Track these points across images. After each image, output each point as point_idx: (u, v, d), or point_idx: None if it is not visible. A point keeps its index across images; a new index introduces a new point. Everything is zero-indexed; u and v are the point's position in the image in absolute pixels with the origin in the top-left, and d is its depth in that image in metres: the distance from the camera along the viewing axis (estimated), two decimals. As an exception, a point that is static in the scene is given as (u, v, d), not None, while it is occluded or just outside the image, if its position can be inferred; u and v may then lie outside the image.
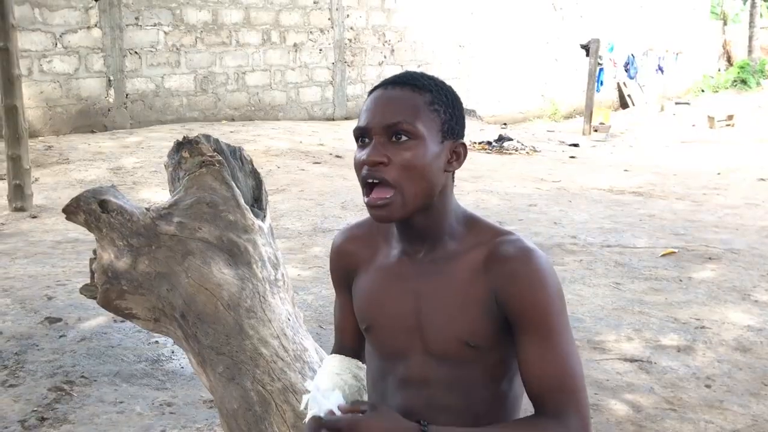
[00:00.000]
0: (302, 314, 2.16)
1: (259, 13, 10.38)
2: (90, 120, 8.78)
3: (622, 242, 5.33)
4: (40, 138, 8.09)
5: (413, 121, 1.17)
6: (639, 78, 16.92)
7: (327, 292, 3.96)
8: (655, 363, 3.27)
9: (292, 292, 2.10)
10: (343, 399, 1.34)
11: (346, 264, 1.36)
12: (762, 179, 8.46)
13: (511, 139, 10.68)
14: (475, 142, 10.50)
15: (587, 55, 12.81)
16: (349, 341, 1.43)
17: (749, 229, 5.84)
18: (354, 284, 1.35)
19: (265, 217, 2.13)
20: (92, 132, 8.70)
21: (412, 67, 12.38)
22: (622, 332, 3.62)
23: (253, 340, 1.78)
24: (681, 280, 4.45)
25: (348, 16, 11.57)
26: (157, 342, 3.29)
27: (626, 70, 16.47)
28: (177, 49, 9.52)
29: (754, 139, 12.27)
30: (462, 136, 1.25)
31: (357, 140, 1.22)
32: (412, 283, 1.25)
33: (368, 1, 11.84)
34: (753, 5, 20.43)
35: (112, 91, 8.92)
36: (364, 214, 1.32)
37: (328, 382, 1.37)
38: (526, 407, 2.49)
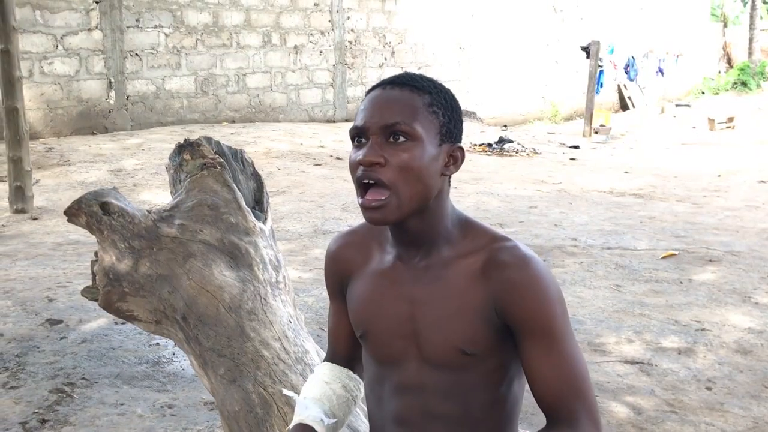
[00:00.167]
0: (303, 316, 2.16)
1: (259, 15, 10.39)
2: (91, 122, 8.78)
3: (623, 244, 5.33)
4: (40, 140, 8.10)
5: (411, 123, 1.15)
6: (639, 80, 16.93)
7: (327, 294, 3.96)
8: (656, 365, 3.27)
9: (293, 294, 2.10)
10: (330, 410, 1.33)
11: (340, 270, 1.35)
12: (762, 181, 8.46)
13: (511, 141, 10.68)
14: (475, 144, 10.50)
15: (587, 57, 12.82)
16: (343, 349, 1.42)
17: (750, 232, 5.84)
18: (348, 291, 1.34)
19: (266, 219, 2.14)
20: (93, 134, 8.71)
21: (413, 69, 12.38)
22: (623, 334, 3.62)
23: (254, 343, 1.78)
24: (681, 283, 4.45)
25: (348, 18, 11.58)
26: (158, 344, 3.29)
27: (626, 72, 16.48)
28: (177, 51, 9.53)
29: (754, 141, 12.27)
30: (460, 140, 1.23)
31: (353, 140, 1.20)
32: (407, 289, 1.24)
33: (369, 3, 11.85)
34: (753, 7, 20.44)
35: (112, 93, 8.93)
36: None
37: (317, 390, 1.36)
38: (526, 409, 2.49)
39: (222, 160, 2.09)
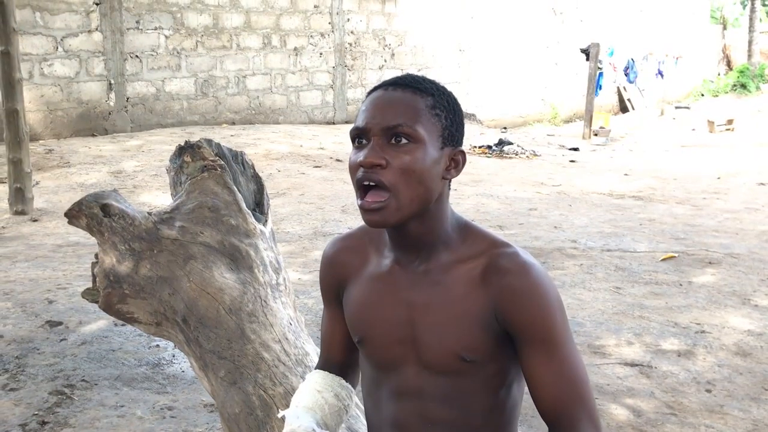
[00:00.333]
0: (303, 318, 2.17)
1: (259, 17, 10.40)
2: (91, 123, 8.79)
3: (623, 246, 5.33)
4: (40, 141, 8.11)
5: (414, 125, 1.14)
6: (639, 82, 16.94)
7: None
8: (656, 367, 3.27)
9: (293, 296, 2.10)
10: (322, 420, 1.31)
11: (336, 275, 1.33)
12: (762, 183, 8.46)
13: (511, 143, 10.69)
14: (475, 146, 10.51)
15: (587, 59, 12.83)
16: (336, 356, 1.39)
17: (749, 234, 5.84)
18: (345, 296, 1.32)
19: (266, 221, 2.14)
20: (93, 135, 8.71)
21: (413, 71, 12.40)
22: (623, 337, 3.63)
23: (254, 345, 1.78)
24: (681, 285, 4.45)
25: (348, 20, 11.60)
26: (157, 346, 3.29)
27: (626, 75, 16.49)
28: (178, 52, 9.54)
29: (753, 144, 12.28)
30: (461, 143, 1.22)
31: (353, 141, 1.18)
32: (406, 294, 1.22)
33: (369, 5, 11.86)
34: (753, 10, 20.47)
35: (112, 95, 8.93)
36: (365, 218, 1.31)
37: (309, 399, 1.33)
38: (525, 411, 2.49)
39: (222, 162, 2.10)
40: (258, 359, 1.75)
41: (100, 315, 3.49)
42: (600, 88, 13.64)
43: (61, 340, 3.30)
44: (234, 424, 1.68)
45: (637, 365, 3.29)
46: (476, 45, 13.73)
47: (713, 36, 21.16)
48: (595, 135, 12.70)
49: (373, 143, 1.14)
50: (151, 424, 2.62)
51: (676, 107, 17.11)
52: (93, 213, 1.93)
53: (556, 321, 1.16)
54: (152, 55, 9.28)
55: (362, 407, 1.66)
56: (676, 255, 5.05)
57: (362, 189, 1.15)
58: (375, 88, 1.21)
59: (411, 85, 1.18)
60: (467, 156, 1.27)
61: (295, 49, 10.90)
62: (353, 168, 1.16)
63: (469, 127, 10.58)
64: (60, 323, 3.49)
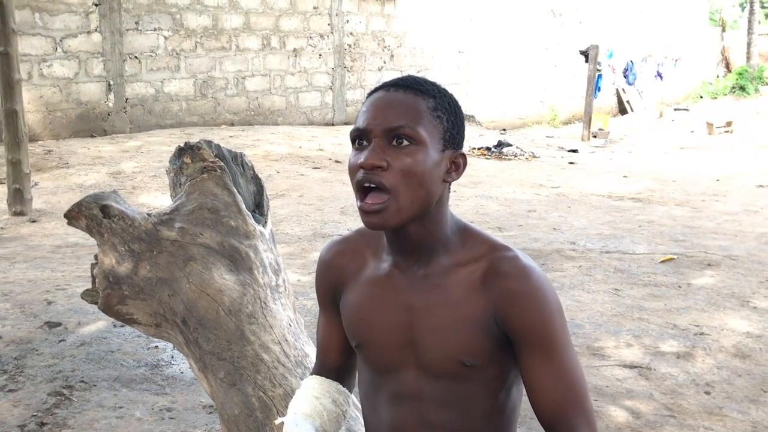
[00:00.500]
0: (303, 320, 2.16)
1: (259, 19, 10.40)
2: (90, 124, 8.78)
3: (622, 248, 5.34)
4: (39, 142, 8.10)
5: (415, 126, 1.12)
6: (638, 84, 16.96)
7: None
8: (655, 369, 3.27)
9: (293, 297, 2.10)
10: (321, 427, 1.30)
11: (333, 279, 1.31)
12: (761, 186, 8.47)
13: (510, 145, 10.70)
14: (474, 148, 10.52)
15: (586, 61, 12.84)
16: (333, 361, 1.37)
17: (748, 236, 5.84)
18: (342, 300, 1.30)
19: (266, 222, 2.14)
20: (92, 136, 8.71)
21: (412, 73, 12.38)
22: (622, 338, 3.63)
23: (254, 346, 1.78)
24: (680, 287, 4.45)
25: (348, 21, 11.60)
26: (156, 347, 3.29)
27: (625, 76, 16.51)
28: (177, 53, 9.54)
29: (752, 146, 12.30)
30: (462, 146, 1.20)
31: (354, 142, 1.16)
32: (405, 297, 1.20)
33: (368, 7, 11.87)
34: (751, 12, 20.51)
35: (111, 96, 8.93)
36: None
37: (307, 406, 1.32)
38: (524, 413, 2.49)
39: (222, 164, 2.10)
40: (257, 361, 1.75)
41: (99, 316, 3.49)
42: (599, 90, 13.66)
43: (60, 341, 3.30)
44: (233, 426, 1.67)
45: (636, 367, 3.29)
46: (475, 46, 13.74)
47: (712, 38, 21.19)
48: (594, 137, 12.71)
49: (374, 145, 1.13)
50: (150, 426, 2.62)
51: (675, 109, 17.13)
52: (93, 214, 1.93)
53: (556, 326, 1.15)
54: (151, 56, 9.28)
55: (360, 407, 1.66)
56: (675, 257, 5.06)
57: (362, 191, 1.14)
58: (376, 89, 1.19)
59: (412, 86, 1.16)
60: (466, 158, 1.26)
61: (295, 50, 10.90)
62: (353, 169, 1.15)
63: (468, 129, 10.58)
64: (59, 324, 3.48)
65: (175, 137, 8.67)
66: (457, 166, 1.19)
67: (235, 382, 1.72)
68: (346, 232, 1.35)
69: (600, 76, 13.58)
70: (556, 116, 15.58)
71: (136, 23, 9.09)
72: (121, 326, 3.42)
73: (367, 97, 1.19)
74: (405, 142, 1.12)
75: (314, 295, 4.05)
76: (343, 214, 6.25)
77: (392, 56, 12.37)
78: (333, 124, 11.49)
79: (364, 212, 1.14)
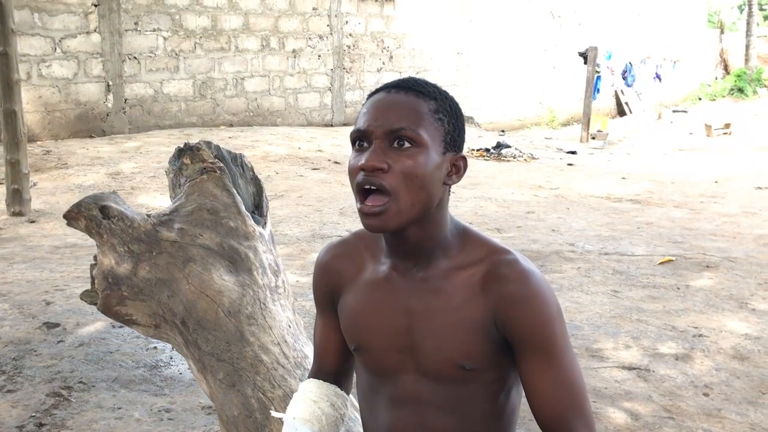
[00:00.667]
0: (302, 321, 2.16)
1: (258, 19, 10.41)
2: (88, 125, 8.78)
3: (620, 250, 5.34)
4: (38, 142, 8.10)
5: (417, 128, 1.12)
6: (636, 86, 16.98)
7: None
8: (653, 371, 3.27)
9: (292, 298, 2.10)
10: (319, 431, 1.29)
11: (331, 282, 1.30)
12: (759, 187, 8.48)
13: (509, 146, 10.70)
14: (473, 149, 10.52)
15: (585, 62, 12.86)
16: (331, 364, 1.36)
17: (746, 238, 5.85)
18: (340, 303, 1.29)
19: (265, 224, 2.14)
20: (91, 137, 8.70)
21: (411, 74, 12.39)
22: (620, 340, 3.63)
23: (253, 347, 1.78)
24: (679, 288, 4.45)
25: (347, 22, 11.61)
26: (155, 348, 3.28)
27: (624, 78, 16.53)
28: (176, 54, 9.54)
29: (751, 148, 12.31)
30: (462, 149, 1.20)
31: (354, 144, 1.15)
32: (404, 301, 1.20)
33: (367, 8, 11.88)
34: (750, 14, 20.55)
35: (110, 96, 8.93)
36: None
37: (305, 410, 1.31)
38: (523, 414, 2.49)
39: (222, 165, 2.10)
40: (257, 362, 1.75)
41: (98, 317, 3.48)
42: (598, 92, 13.68)
43: (59, 341, 3.30)
44: (233, 427, 1.67)
45: (634, 369, 3.30)
46: (474, 48, 13.75)
47: (711, 40, 21.23)
48: (593, 138, 12.73)
49: (374, 146, 1.12)
50: (148, 426, 2.61)
51: (674, 111, 17.15)
52: (92, 215, 1.93)
53: (556, 329, 1.15)
54: (150, 56, 9.28)
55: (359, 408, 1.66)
56: (674, 258, 5.06)
57: (362, 193, 1.13)
58: (377, 91, 1.18)
59: (414, 88, 1.16)
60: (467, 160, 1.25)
61: (294, 51, 10.90)
62: (353, 171, 1.14)
63: (467, 130, 10.55)
64: (57, 325, 3.48)
65: (174, 138, 8.67)
66: (457, 168, 1.19)
67: (234, 383, 1.72)
68: (344, 234, 1.35)
69: (599, 77, 13.60)
70: (555, 118, 15.59)
71: (135, 24, 9.09)
72: (120, 327, 3.42)
73: (367, 98, 1.18)
74: (406, 144, 1.12)
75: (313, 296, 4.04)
76: (342, 215, 6.25)
77: (391, 57, 12.38)
78: (332, 125, 11.49)
79: (364, 214, 1.13)
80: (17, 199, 5.83)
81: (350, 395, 1.52)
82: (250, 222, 2.05)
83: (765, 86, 20.07)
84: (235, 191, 2.07)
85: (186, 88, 9.70)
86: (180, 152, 2.15)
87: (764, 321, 3.93)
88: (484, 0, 13.80)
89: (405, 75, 12.35)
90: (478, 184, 8.06)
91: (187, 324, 1.83)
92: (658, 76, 17.13)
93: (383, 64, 12.26)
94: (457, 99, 1.24)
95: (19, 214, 5.82)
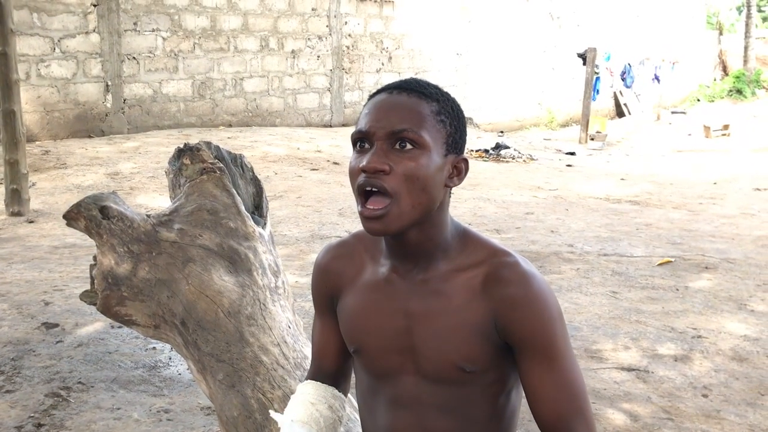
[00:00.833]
0: (301, 322, 2.16)
1: (257, 20, 10.40)
2: (87, 125, 8.77)
3: (619, 251, 5.34)
4: (37, 142, 8.09)
5: (419, 130, 1.11)
6: (635, 87, 17.00)
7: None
8: (652, 372, 3.27)
9: (292, 299, 2.10)
10: None
11: (330, 284, 1.29)
12: (758, 189, 8.49)
13: (508, 147, 10.71)
14: (472, 150, 10.52)
15: (584, 63, 12.87)
16: (329, 365, 1.36)
17: (745, 239, 5.85)
18: (339, 305, 1.28)
19: (265, 224, 2.14)
20: (89, 137, 8.70)
21: (410, 75, 12.42)
22: (619, 341, 3.63)
23: (253, 348, 1.78)
24: (677, 290, 4.46)
25: (346, 23, 11.61)
26: (154, 348, 3.28)
27: (623, 79, 16.55)
28: (175, 54, 9.53)
29: (749, 149, 12.33)
30: (463, 151, 1.19)
31: (355, 145, 1.15)
32: (403, 303, 1.19)
33: (366, 9, 11.88)
34: (748, 16, 20.57)
35: (109, 96, 8.92)
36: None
37: (303, 412, 1.30)
38: (522, 415, 2.49)
39: (221, 165, 2.10)
40: (257, 362, 1.75)
41: (97, 317, 3.48)
42: (597, 93, 13.69)
43: (57, 342, 3.29)
44: (232, 428, 1.67)
45: (633, 370, 3.30)
46: (473, 49, 13.76)
47: (709, 41, 21.25)
48: (592, 139, 12.74)
49: (376, 148, 1.11)
50: (147, 427, 2.61)
51: (673, 112, 17.17)
52: (92, 215, 1.93)
53: (556, 332, 1.14)
54: (149, 56, 9.28)
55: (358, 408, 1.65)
56: (673, 260, 5.06)
57: (363, 195, 1.12)
58: (378, 92, 1.18)
59: (416, 89, 1.15)
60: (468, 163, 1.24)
61: (293, 51, 10.90)
62: (354, 173, 1.13)
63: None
64: (56, 325, 3.48)
65: (173, 138, 8.67)
66: (459, 171, 1.18)
67: (234, 384, 1.72)
68: (344, 236, 1.34)
69: (598, 78, 13.61)
70: (554, 119, 15.60)
71: (135, 24, 9.08)
72: (119, 327, 3.42)
73: (368, 99, 1.18)
74: (408, 146, 1.11)
75: (312, 296, 4.04)
76: (341, 216, 6.25)
77: (390, 58, 12.38)
78: (331, 126, 11.49)
79: (365, 218, 1.12)
80: (16, 199, 5.82)
81: (349, 396, 1.52)
82: (250, 222, 2.05)
83: (763, 88, 20.10)
84: (234, 192, 2.07)
85: (185, 89, 9.70)
86: (180, 153, 2.15)
87: (763, 322, 3.94)
88: (484, 1, 13.81)
89: (404, 76, 12.36)
90: (477, 184, 8.06)
91: (187, 324, 1.83)
92: (656, 78, 17.15)
93: (382, 64, 12.26)
94: (457, 100, 1.23)
95: (18, 214, 5.82)
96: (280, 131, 10.10)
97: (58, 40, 8.43)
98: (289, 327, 1.91)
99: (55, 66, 8.44)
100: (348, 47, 11.69)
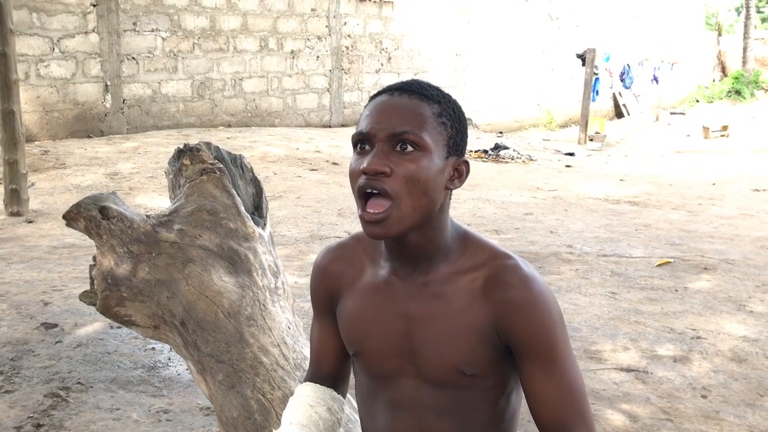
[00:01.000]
0: (301, 322, 2.16)
1: (256, 20, 10.40)
2: (86, 125, 8.77)
3: (618, 252, 5.34)
4: (36, 142, 8.08)
5: (420, 132, 1.10)
6: (634, 88, 17.01)
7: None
8: (652, 373, 3.27)
9: (291, 300, 2.10)
10: None
11: (329, 286, 1.29)
12: (756, 190, 8.50)
13: (507, 148, 10.71)
14: (471, 151, 10.53)
15: (583, 64, 12.87)
16: (328, 368, 1.35)
17: (744, 240, 5.86)
18: (338, 307, 1.28)
19: (265, 225, 2.14)
20: (89, 137, 8.69)
21: (409, 75, 12.43)
22: (619, 342, 3.63)
23: (253, 349, 1.78)
24: (677, 290, 4.46)
25: (345, 23, 11.61)
26: (153, 348, 3.28)
27: (622, 80, 16.56)
28: (174, 54, 9.53)
29: (748, 150, 12.33)
30: (464, 153, 1.19)
31: (355, 146, 1.14)
32: (403, 306, 1.19)
33: (366, 9, 11.88)
34: (747, 17, 20.59)
35: (108, 97, 8.92)
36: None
37: (302, 415, 1.29)
38: (522, 416, 2.49)
39: (221, 166, 2.10)
40: (256, 363, 1.75)
41: (96, 317, 3.48)
42: (596, 94, 13.69)
43: (57, 342, 3.29)
44: (232, 428, 1.67)
45: (632, 370, 3.30)
46: (473, 49, 13.76)
47: (708, 42, 21.27)
48: (591, 140, 12.74)
49: (377, 150, 1.11)
50: (146, 428, 2.61)
51: (672, 113, 17.17)
52: (91, 215, 1.93)
53: (557, 336, 1.14)
54: (149, 57, 9.27)
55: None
56: (672, 260, 5.07)
57: (363, 197, 1.12)
58: (379, 93, 1.17)
59: (417, 91, 1.15)
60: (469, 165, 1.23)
61: (292, 52, 10.90)
62: (355, 174, 1.12)
63: (465, 132, 10.57)
64: (55, 325, 3.47)
65: (172, 138, 8.66)
66: (459, 173, 1.18)
67: (233, 385, 1.72)
68: (343, 237, 1.34)
69: (597, 79, 13.62)
70: (553, 119, 15.61)
71: (134, 24, 9.08)
72: (118, 328, 3.42)
73: (369, 100, 1.17)
74: (409, 148, 1.10)
75: (311, 297, 4.03)
76: (340, 216, 6.25)
77: (389, 59, 12.38)
78: (330, 126, 11.49)
79: (365, 222, 1.12)
80: (15, 199, 5.82)
81: (349, 396, 1.51)
82: (250, 223, 2.05)
83: (762, 88, 20.12)
84: (234, 192, 2.07)
85: (184, 89, 9.69)
86: (180, 153, 2.15)
87: (762, 323, 3.94)
88: (483, 2, 13.82)
89: (403, 76, 12.36)
90: (477, 185, 8.06)
91: (187, 325, 1.83)
92: (655, 78, 17.15)
93: (381, 65, 12.26)
94: (458, 101, 1.23)
95: (17, 214, 5.81)
96: (279, 131, 10.10)
97: (58, 40, 8.43)
98: (289, 328, 1.91)
99: (55, 66, 8.43)
100: (347, 48, 11.69)
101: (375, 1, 11.97)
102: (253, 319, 1.84)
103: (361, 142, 1.14)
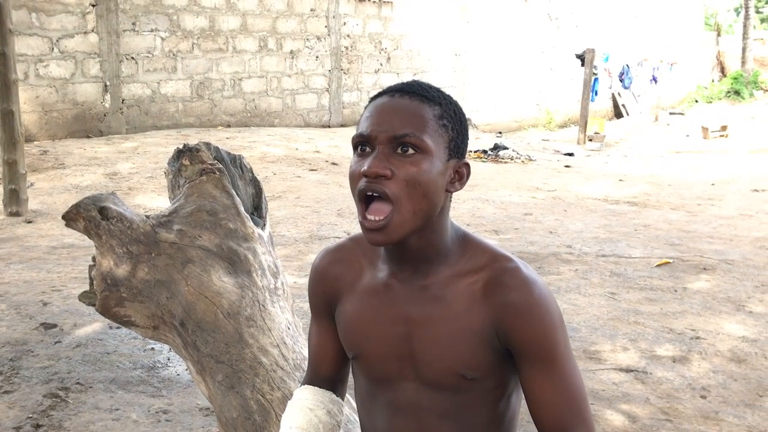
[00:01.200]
0: (300, 323, 2.16)
1: (256, 20, 10.40)
2: (86, 125, 8.77)
3: (617, 252, 5.34)
4: (35, 142, 8.08)
5: (422, 135, 1.09)
6: (633, 88, 17.02)
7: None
8: (651, 373, 3.28)
9: (291, 300, 2.10)
10: None
11: (328, 288, 1.28)
12: (756, 190, 8.50)
13: (506, 148, 10.72)
14: (470, 151, 10.53)
15: (582, 64, 12.87)
16: (326, 371, 1.34)
17: (743, 240, 5.86)
18: (337, 310, 1.27)
19: (264, 225, 2.14)
20: (88, 137, 8.69)
21: (408, 75, 12.43)
22: (618, 342, 3.63)
23: (252, 349, 1.78)
24: (676, 291, 4.46)
25: (345, 23, 11.61)
26: (152, 349, 3.28)
27: (621, 80, 16.57)
28: (174, 54, 9.53)
29: (747, 150, 12.34)
30: (465, 155, 1.18)
31: (356, 148, 1.13)
32: (403, 309, 1.18)
33: (365, 9, 11.88)
34: (746, 17, 20.60)
35: (108, 97, 8.92)
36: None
37: (302, 419, 1.28)
38: (521, 417, 2.49)
39: (221, 166, 2.10)
40: (256, 363, 1.75)
41: (95, 317, 3.48)
42: (595, 94, 13.70)
43: (56, 342, 3.29)
44: (232, 429, 1.67)
45: (632, 371, 3.30)
46: (472, 50, 13.76)
47: (707, 43, 21.28)
48: (590, 140, 12.74)
49: (378, 152, 1.09)
50: (146, 428, 2.61)
51: (671, 113, 17.18)
52: (91, 216, 1.93)
53: (558, 339, 1.14)
54: (148, 57, 9.27)
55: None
56: (671, 261, 5.07)
57: (364, 201, 1.11)
58: (380, 94, 1.16)
59: (418, 92, 1.13)
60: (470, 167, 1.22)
61: (291, 52, 10.90)
62: (355, 177, 1.11)
63: (464, 132, 10.57)
64: (54, 325, 3.47)
65: (171, 138, 8.66)
66: (460, 175, 1.17)
67: (233, 385, 1.72)
68: (342, 237, 1.33)
69: (596, 79, 13.62)
70: (552, 119, 15.61)
71: (133, 24, 9.07)
72: (117, 328, 3.41)
73: (370, 102, 1.16)
74: (410, 151, 1.09)
75: (311, 297, 4.03)
76: (339, 216, 6.25)
77: (389, 59, 12.38)
78: (329, 126, 11.49)
79: (366, 229, 1.11)
80: (14, 199, 5.81)
81: (348, 397, 1.51)
82: (250, 223, 2.05)
83: (761, 89, 20.13)
84: (234, 193, 2.07)
85: (183, 89, 9.69)
86: (179, 153, 2.15)
87: (761, 323, 3.94)
88: (482, 2, 13.82)
89: (402, 76, 12.36)
90: (476, 185, 8.07)
91: (186, 325, 1.83)
92: (654, 79, 17.16)
93: (381, 65, 12.26)
94: (458, 103, 1.22)
95: (16, 214, 5.81)
96: (278, 132, 10.10)
97: (57, 40, 8.43)
98: (289, 328, 1.91)
99: (54, 66, 8.43)
100: (347, 48, 11.69)
101: (374, 1, 11.97)
102: (253, 319, 1.84)
103: (361, 144, 1.12)
